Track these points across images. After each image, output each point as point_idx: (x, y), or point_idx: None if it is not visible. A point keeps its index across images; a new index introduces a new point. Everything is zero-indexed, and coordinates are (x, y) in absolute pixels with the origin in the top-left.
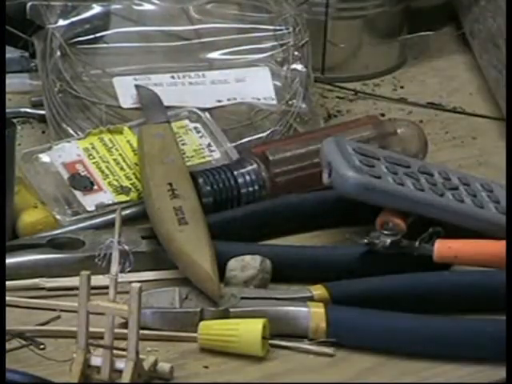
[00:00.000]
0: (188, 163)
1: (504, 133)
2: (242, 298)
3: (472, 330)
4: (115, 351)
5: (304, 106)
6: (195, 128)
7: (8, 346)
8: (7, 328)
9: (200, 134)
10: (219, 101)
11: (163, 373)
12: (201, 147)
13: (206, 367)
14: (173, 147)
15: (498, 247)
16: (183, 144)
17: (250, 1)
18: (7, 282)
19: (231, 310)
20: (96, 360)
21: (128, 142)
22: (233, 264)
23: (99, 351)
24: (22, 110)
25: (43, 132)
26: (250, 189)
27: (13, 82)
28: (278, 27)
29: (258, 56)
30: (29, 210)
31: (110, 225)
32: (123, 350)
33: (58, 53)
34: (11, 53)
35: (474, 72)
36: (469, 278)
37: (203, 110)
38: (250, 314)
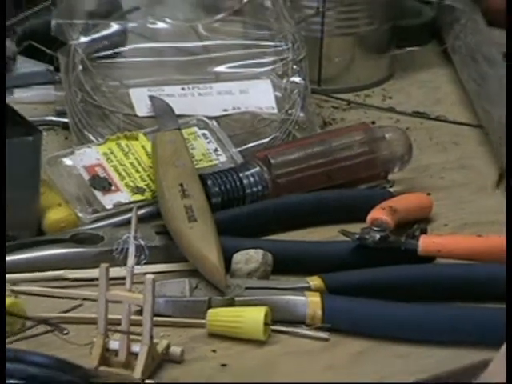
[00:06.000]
0: (197, 166)
1: (482, 139)
2: (246, 288)
3: (454, 316)
4: (131, 336)
5: (302, 114)
6: (203, 134)
7: (34, 331)
8: (34, 315)
9: (208, 140)
10: (225, 110)
11: (175, 355)
12: (208, 152)
13: (214, 351)
14: (183, 152)
15: (478, 242)
16: (192, 149)
17: (253, 19)
18: (35, 274)
19: (236, 298)
20: (114, 344)
21: (143, 147)
22: (238, 257)
23: (117, 336)
24: (48, 118)
25: (66, 138)
26: (254, 189)
27: (39, 93)
28: (278, 43)
29: (260, 69)
30: (53, 209)
31: (126, 222)
32: (138, 334)
33: (80, 66)
34: (37, 66)
35: (455, 84)
36: (450, 270)
37: (210, 118)
38: (254, 302)
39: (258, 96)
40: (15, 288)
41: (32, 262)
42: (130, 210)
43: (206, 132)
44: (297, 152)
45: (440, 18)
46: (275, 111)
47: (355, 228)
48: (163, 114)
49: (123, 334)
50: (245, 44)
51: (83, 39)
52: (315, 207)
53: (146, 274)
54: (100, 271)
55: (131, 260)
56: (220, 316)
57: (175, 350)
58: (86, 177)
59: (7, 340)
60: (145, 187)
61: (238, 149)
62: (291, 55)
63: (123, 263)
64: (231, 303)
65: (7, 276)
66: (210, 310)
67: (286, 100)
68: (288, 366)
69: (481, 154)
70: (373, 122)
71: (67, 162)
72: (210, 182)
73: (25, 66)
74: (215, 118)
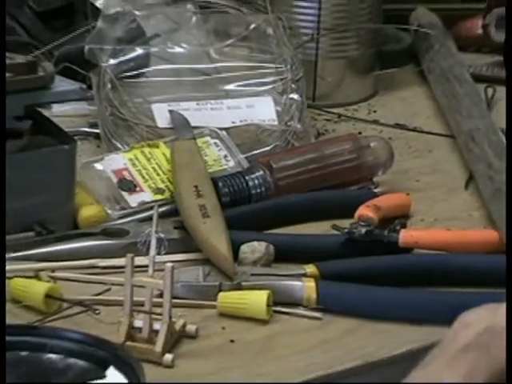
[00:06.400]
0: (209, 170)
1: (453, 147)
2: (252, 275)
3: (428, 298)
4: (153, 315)
5: (299, 126)
6: (215, 143)
7: (70, 312)
8: (69, 298)
9: (218, 148)
10: (233, 122)
11: (190, 332)
12: (219, 158)
13: (224, 328)
14: (197, 158)
15: (448, 235)
16: (205, 155)
17: (257, 45)
18: (70, 262)
19: (243, 283)
20: (138, 322)
21: (163, 154)
22: (244, 248)
23: (140, 316)
24: (82, 129)
25: (98, 146)
26: (258, 190)
27: (74, 107)
28: (278, 65)
29: (263, 88)
30: (86, 207)
31: (149, 218)
32: (159, 314)
33: (109, 85)
34: (73, 85)
35: (430, 100)
36: (426, 259)
37: (221, 129)
38: (258, 286)
39: (262, 110)
40: (53, 274)
41: (68, 252)
42: (152, 207)
43: (217, 141)
44: (295, 158)
45: (417, 44)
46: (276, 123)
47: (345, 223)
48: (180, 125)
49: (146, 314)
50: (250, 66)
51: (112, 62)
52: (311, 205)
53: (165, 262)
54: (126, 260)
55: (153, 251)
56: (229, 298)
57: (190, 327)
58: (114, 179)
59: (47, 320)
60: (164, 188)
61: (245, 155)
62: (290, 75)
63: (146, 253)
64: (238, 287)
65: (47, 264)
66: (220, 294)
67: (286, 114)
68: (287, 340)
69: (451, 159)
70: (360, 133)
71: (98, 166)
72: (220, 184)
73: (62, 84)
74: (225, 129)
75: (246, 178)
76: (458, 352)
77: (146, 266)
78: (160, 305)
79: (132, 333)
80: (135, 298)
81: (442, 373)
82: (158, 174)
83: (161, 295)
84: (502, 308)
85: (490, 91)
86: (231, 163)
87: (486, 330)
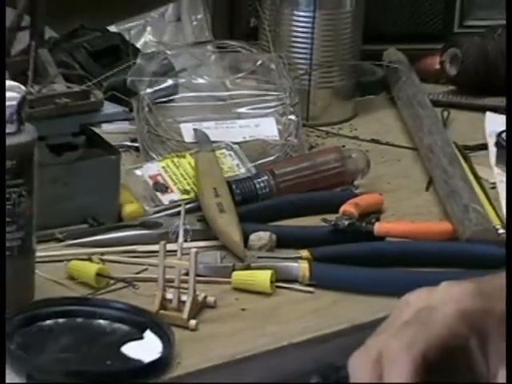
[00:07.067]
0: (225, 175)
1: (416, 157)
2: (258, 258)
3: (397, 276)
4: (181, 290)
5: (296, 141)
6: (229, 154)
7: (115, 287)
8: (115, 276)
9: (232, 158)
10: (244, 137)
11: (210, 303)
12: (233, 166)
13: (237, 299)
14: (216, 166)
15: (413, 226)
16: (222, 164)
17: (262, 77)
18: (116, 248)
19: (252, 264)
20: (169, 295)
21: (189, 162)
22: (252, 237)
23: (171, 290)
24: (125, 143)
25: (137, 157)
26: (264, 191)
27: (119, 126)
28: (279, 93)
29: (267, 111)
30: (128, 204)
31: (177, 213)
32: (186, 289)
33: (146, 109)
34: (118, 109)
35: (398, 121)
36: (396, 245)
37: (234, 143)
38: (263, 267)
39: (266, 128)
40: (102, 257)
41: (114, 240)
42: (180, 205)
43: (231, 153)
44: (292, 166)
45: (388, 77)
46: (278, 139)
47: (332, 217)
48: (202, 140)
49: (175, 288)
50: (257, 94)
51: (148, 90)
52: (305, 203)
53: (190, 248)
54: (160, 246)
55: (181, 239)
56: (240, 276)
57: (210, 299)
58: (150, 183)
59: (97, 293)
60: (190, 189)
61: (253, 164)
62: (288, 101)
63: (175, 241)
64: (248, 268)
65: (98, 249)
66: (234, 272)
67: (285, 131)
68: (286, 309)
69: (415, 167)
70: (343, 146)
71: (138, 172)
72: (234, 186)
73: (109, 108)
74: (237, 143)
75: (254, 181)
76: (402, 325)
77: (175, 251)
78: (186, 281)
79: (164, 303)
80: (167, 276)
81: (389, 341)
82: (184, 179)
83: (187, 274)
84: (437, 290)
85: (445, 114)
86: (242, 170)
87: (424, 308)
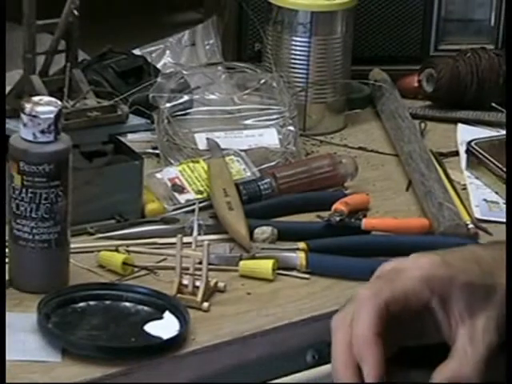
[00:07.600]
0: (233, 178)
1: (398, 163)
2: (262, 249)
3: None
4: (195, 276)
5: (294, 148)
6: (237, 160)
7: (139, 274)
8: (139, 264)
9: (240, 163)
10: (250, 146)
11: (220, 288)
12: (240, 170)
13: (243, 285)
14: (225, 170)
15: (395, 222)
16: (231, 168)
17: (266, 93)
18: (140, 240)
19: (256, 255)
20: (185, 281)
21: (202, 167)
22: (257, 231)
23: (187, 276)
24: (147, 150)
25: (158, 162)
26: (267, 192)
27: (142, 136)
28: (280, 107)
29: (269, 122)
30: (150, 203)
31: (192, 210)
32: (199, 276)
33: (166, 121)
34: (141, 121)
35: (382, 131)
36: (380, 238)
37: (241, 150)
38: (266, 257)
39: (269, 138)
40: (128, 249)
41: (138, 233)
42: (195, 203)
43: (239, 159)
44: (291, 170)
45: (373, 93)
46: (279, 147)
47: (325, 214)
48: (214, 148)
49: (191, 275)
50: (261, 108)
51: (168, 105)
52: (302, 202)
53: (203, 241)
54: (177, 239)
55: (195, 232)
56: (247, 265)
57: (221, 284)
58: (169, 184)
59: (123, 279)
60: (203, 190)
61: (257, 168)
62: (288, 114)
63: (190, 234)
64: (253, 257)
65: (124, 242)
66: (241, 262)
67: (285, 140)
68: (286, 293)
69: (397, 171)
70: (335, 153)
71: (158, 175)
72: (241, 187)
73: (133, 120)
74: (244, 150)
75: (259, 183)
76: (373, 279)
77: (190, 243)
78: (200, 269)
79: (181, 288)
80: (183, 265)
81: (360, 290)
82: (198, 181)
83: (200, 263)
84: (407, 259)
85: (422, 125)
86: (248, 174)
87: (393, 268)
